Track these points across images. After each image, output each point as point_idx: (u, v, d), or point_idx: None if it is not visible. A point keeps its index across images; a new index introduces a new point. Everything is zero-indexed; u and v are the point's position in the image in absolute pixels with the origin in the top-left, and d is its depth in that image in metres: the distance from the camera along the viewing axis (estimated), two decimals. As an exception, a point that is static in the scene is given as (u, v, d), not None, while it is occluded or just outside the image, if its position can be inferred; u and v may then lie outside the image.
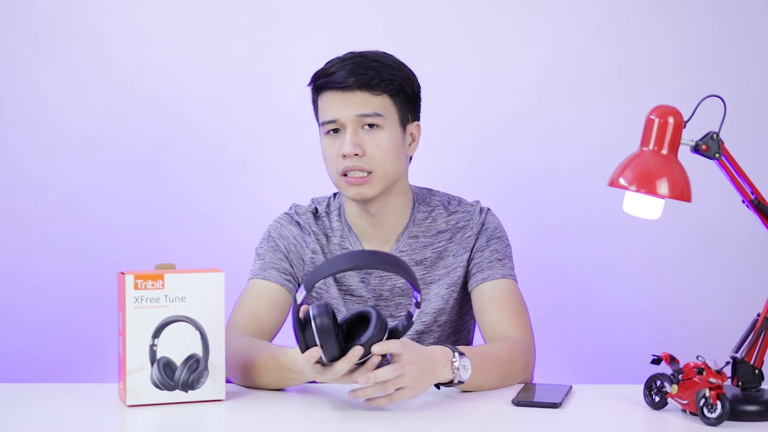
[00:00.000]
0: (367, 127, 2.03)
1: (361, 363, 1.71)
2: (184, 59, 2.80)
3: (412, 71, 2.09)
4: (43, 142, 2.78)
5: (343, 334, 1.72)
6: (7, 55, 2.77)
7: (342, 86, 2.02)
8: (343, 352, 1.69)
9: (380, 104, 2.03)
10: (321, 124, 2.07)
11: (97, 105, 2.79)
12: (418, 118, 2.12)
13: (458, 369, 1.79)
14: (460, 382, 1.81)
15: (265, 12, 2.80)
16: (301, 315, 1.70)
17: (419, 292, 1.72)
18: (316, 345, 1.68)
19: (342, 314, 2.04)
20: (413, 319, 1.74)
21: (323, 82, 2.04)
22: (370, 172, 2.03)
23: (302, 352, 1.70)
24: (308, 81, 2.09)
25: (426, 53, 2.77)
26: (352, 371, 1.72)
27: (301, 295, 1.69)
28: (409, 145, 2.10)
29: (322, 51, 2.72)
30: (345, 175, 2.03)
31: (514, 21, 2.81)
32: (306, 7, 2.80)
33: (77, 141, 2.79)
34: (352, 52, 2.06)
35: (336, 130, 2.04)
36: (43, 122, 2.78)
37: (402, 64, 2.09)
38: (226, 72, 2.80)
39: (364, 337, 1.69)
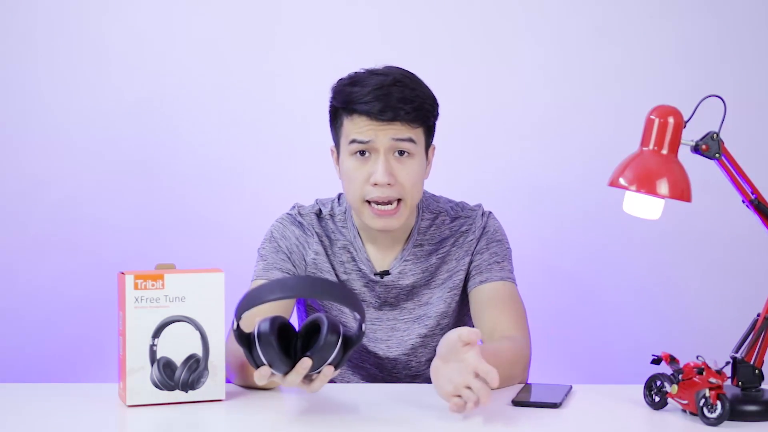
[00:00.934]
0: (397, 154, 1.99)
1: (319, 372, 1.68)
2: (185, 60, 2.80)
3: (435, 97, 2.04)
4: (43, 143, 2.78)
5: (301, 343, 1.69)
6: (7, 55, 2.78)
7: (378, 118, 1.96)
8: (294, 364, 1.66)
9: (414, 133, 2.00)
10: (349, 142, 1.99)
11: (96, 105, 2.79)
12: (432, 141, 2.09)
13: None
14: None
15: (265, 12, 2.80)
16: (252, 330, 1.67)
17: (363, 317, 1.68)
18: (264, 364, 1.66)
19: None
20: (363, 329, 1.69)
21: (355, 108, 1.97)
22: (399, 200, 2.00)
23: (255, 369, 1.68)
24: (331, 95, 2.02)
25: (426, 53, 2.78)
26: (311, 379, 1.69)
27: (234, 323, 1.66)
28: (425, 167, 2.07)
29: (322, 51, 2.73)
30: (371, 203, 2.00)
31: (514, 21, 2.81)
32: (306, 7, 2.80)
33: (77, 141, 2.79)
34: (382, 75, 1.99)
35: (363, 152, 2.00)
36: (42, 123, 2.78)
37: (429, 90, 2.03)
38: (226, 72, 2.80)
39: (314, 349, 1.66)
